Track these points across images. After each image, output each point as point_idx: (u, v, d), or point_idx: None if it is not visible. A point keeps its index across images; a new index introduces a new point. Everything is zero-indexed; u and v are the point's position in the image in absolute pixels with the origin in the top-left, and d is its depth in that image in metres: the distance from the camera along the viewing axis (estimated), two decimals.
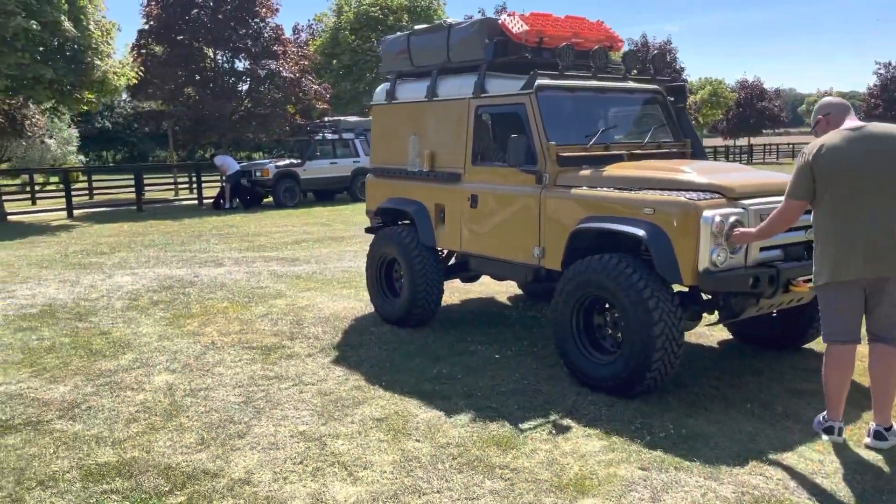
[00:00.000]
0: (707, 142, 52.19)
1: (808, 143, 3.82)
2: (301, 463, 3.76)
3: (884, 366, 3.75)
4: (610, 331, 4.73)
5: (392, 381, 4.96)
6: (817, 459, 3.68)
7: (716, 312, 4.77)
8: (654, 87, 5.91)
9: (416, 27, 6.40)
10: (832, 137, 3.68)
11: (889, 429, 3.76)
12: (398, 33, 6.72)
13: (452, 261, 6.55)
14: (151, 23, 21.78)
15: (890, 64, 50.96)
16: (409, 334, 6.13)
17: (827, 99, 3.98)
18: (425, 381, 4.97)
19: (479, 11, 35.00)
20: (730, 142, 52.71)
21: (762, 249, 4.37)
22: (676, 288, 4.48)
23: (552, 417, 4.30)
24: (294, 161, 19.43)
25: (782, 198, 3.89)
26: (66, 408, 4.58)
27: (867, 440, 3.81)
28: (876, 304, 3.72)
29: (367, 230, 7.03)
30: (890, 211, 3.57)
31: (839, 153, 3.62)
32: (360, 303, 7.29)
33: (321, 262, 9.87)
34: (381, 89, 6.73)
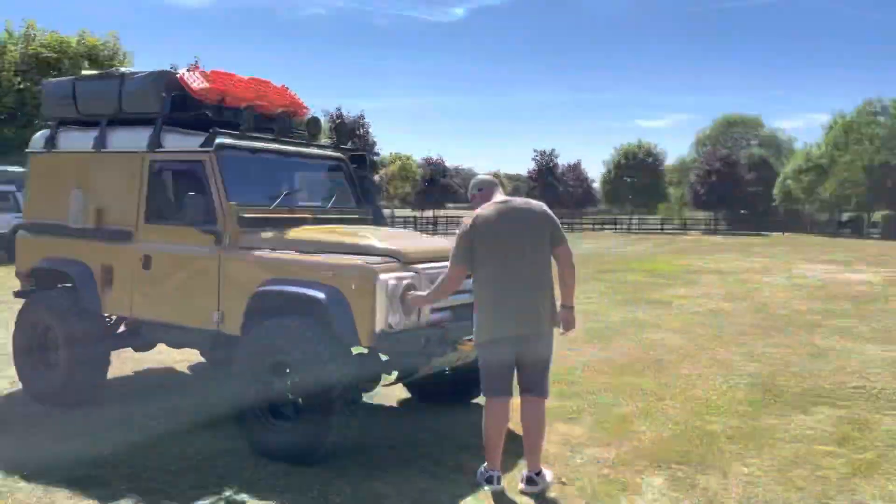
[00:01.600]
0: (400, 212, 55.83)
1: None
2: None
3: (532, 415, 4.17)
4: (290, 396, 4.62)
5: (37, 472, 4.25)
6: None
7: (394, 373, 4.93)
8: (337, 154, 6.10)
9: (84, 72, 5.85)
10: (486, 209, 4.11)
11: (539, 473, 4.16)
12: (62, 77, 6.08)
13: (122, 328, 5.95)
14: None
15: (545, 153, 60.03)
16: (65, 414, 5.37)
17: (479, 177, 4.45)
18: (80, 466, 4.35)
19: (171, 66, 33.52)
20: (418, 213, 56.94)
21: (434, 311, 4.64)
22: (356, 350, 4.55)
23: (226, 493, 4.02)
24: None
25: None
26: None
27: (521, 486, 4.16)
28: (523, 359, 4.14)
29: (17, 294, 6.10)
30: (529, 275, 4.04)
31: (490, 223, 4.04)
32: (2, 380, 6.23)
33: None
34: (39, 136, 5.98)
